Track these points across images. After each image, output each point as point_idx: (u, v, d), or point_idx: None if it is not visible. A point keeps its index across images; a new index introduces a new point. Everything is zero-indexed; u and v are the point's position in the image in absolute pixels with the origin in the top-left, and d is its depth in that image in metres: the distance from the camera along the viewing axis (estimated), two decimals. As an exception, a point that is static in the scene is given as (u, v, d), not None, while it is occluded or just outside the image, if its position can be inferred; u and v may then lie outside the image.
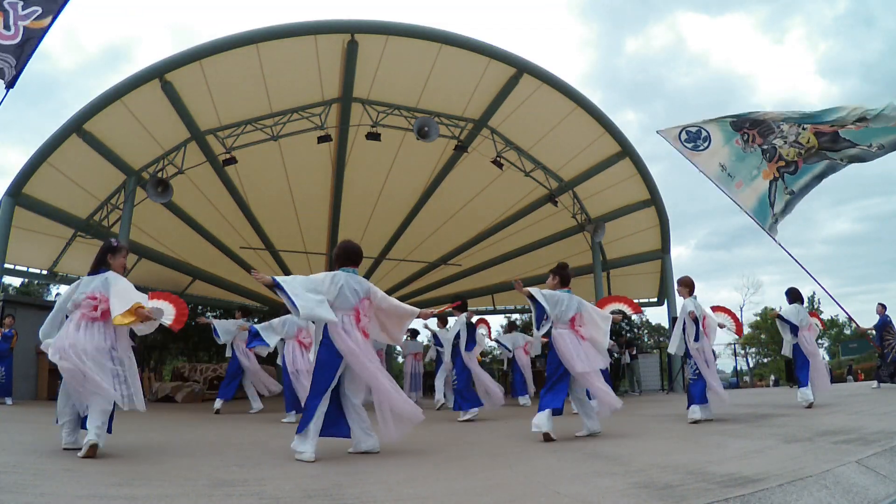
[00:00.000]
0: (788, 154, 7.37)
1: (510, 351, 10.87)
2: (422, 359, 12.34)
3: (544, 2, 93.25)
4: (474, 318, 7.59)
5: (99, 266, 3.99)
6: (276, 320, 7.64)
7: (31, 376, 10.90)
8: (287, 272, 16.02)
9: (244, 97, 10.88)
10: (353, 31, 9.94)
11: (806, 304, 7.78)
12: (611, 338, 5.42)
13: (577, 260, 14.76)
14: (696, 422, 5.58)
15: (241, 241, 15.29)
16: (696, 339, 5.85)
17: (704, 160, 7.25)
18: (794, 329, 6.98)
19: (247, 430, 6.10)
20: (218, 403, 8.53)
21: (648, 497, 2.40)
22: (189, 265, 16.17)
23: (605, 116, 12.02)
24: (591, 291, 13.59)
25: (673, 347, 6.21)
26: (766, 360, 39.84)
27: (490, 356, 22.17)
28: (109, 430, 3.69)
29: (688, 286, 6.14)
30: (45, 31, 4.77)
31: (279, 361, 7.75)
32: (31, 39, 4.69)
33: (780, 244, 7.66)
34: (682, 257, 60.45)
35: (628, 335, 25.92)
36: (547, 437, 4.45)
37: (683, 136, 7.24)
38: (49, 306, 13.64)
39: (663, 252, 15.00)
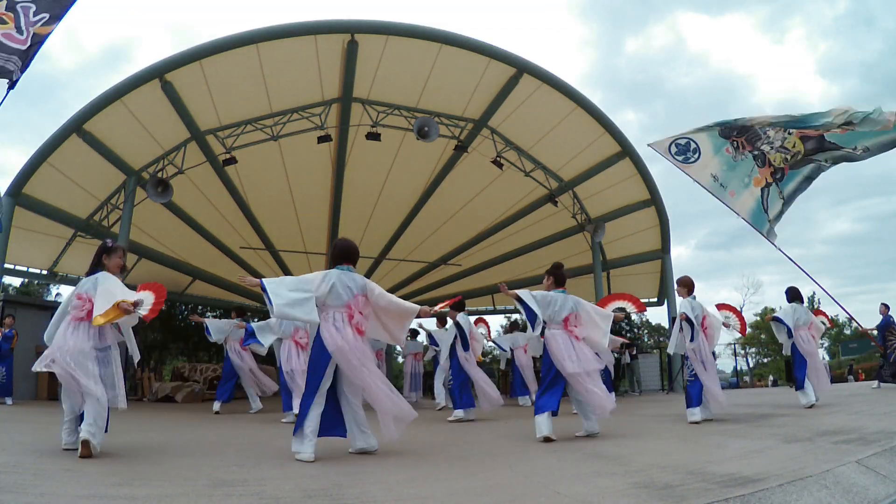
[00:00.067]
0: (776, 160, 7.38)
1: (505, 351, 10.87)
2: (422, 359, 12.34)
3: (544, 2, 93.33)
4: (467, 319, 7.50)
5: (95, 267, 4.02)
6: (272, 320, 7.63)
7: (31, 376, 10.88)
8: (287, 272, 16.03)
9: (244, 97, 10.88)
10: (353, 32, 9.94)
11: (806, 303, 7.77)
12: (621, 335, 5.38)
13: (577, 260, 14.77)
14: (695, 423, 5.57)
15: (241, 241, 15.29)
16: (692, 339, 5.81)
17: (696, 171, 7.22)
18: (789, 330, 6.96)
19: (247, 430, 6.10)
20: (216, 406, 8.54)
21: (648, 497, 2.40)
22: (189, 265, 16.18)
23: (605, 116, 12.02)
24: (591, 291, 13.59)
25: (672, 347, 6.17)
26: (766, 360, 39.86)
27: (490, 356, 22.18)
28: (106, 430, 3.71)
29: (686, 286, 6.11)
30: (46, 36, 4.81)
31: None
32: (35, 45, 4.75)
33: (779, 249, 7.67)
34: (682, 257, 60.53)
35: (628, 335, 25.93)
36: (547, 440, 4.45)
37: (673, 148, 7.18)
38: (49, 306, 13.70)
39: (663, 252, 15.00)
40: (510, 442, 4.72)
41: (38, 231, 12.14)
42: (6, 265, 11.36)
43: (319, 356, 3.80)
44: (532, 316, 4.73)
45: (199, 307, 20.33)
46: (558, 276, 5.05)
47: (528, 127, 12.23)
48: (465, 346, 7.32)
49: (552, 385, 4.72)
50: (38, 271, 14.04)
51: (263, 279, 3.77)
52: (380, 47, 10.25)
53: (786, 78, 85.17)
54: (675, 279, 8.36)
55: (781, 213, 7.61)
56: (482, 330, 9.60)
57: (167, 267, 15.51)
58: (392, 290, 4.27)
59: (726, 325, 6.37)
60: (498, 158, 12.18)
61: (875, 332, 10.24)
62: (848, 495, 2.60)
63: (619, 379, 14.27)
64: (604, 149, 12.72)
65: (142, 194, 11.35)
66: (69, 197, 11.67)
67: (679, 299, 6.23)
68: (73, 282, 13.87)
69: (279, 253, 16.15)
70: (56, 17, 4.87)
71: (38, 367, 3.68)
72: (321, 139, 11.16)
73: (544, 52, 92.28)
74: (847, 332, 34.88)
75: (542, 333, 4.88)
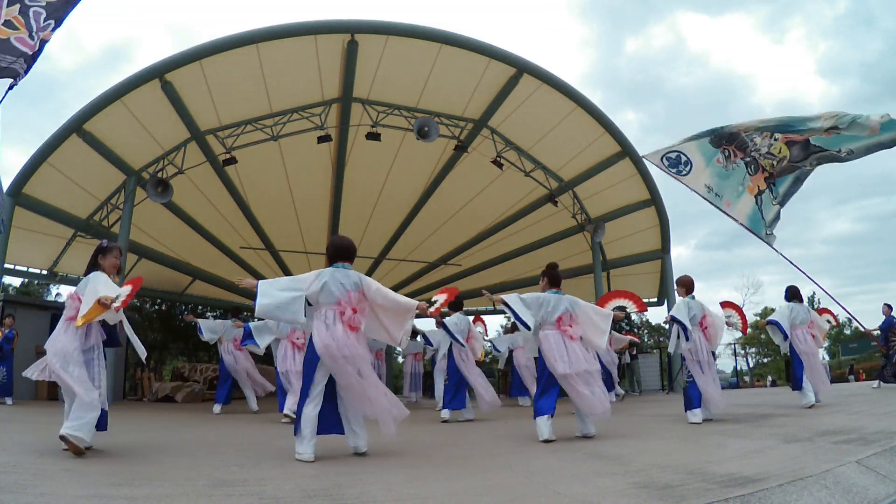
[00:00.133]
0: (766, 165, 7.40)
1: (500, 352, 10.90)
2: (422, 359, 12.35)
3: (544, 2, 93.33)
4: (463, 319, 7.48)
5: (91, 268, 4.03)
6: (270, 320, 7.64)
7: (31, 376, 10.89)
8: (287, 272, 16.03)
9: (244, 97, 10.87)
10: (353, 31, 9.93)
11: (806, 303, 7.78)
12: (632, 333, 5.35)
13: (577, 260, 14.78)
14: (696, 423, 5.56)
15: (241, 241, 15.29)
16: (687, 339, 5.77)
17: (691, 182, 7.22)
18: (784, 334, 6.93)
19: (247, 430, 6.10)
20: (216, 408, 8.56)
21: (648, 497, 2.40)
22: (189, 265, 16.18)
23: (605, 116, 12.01)
24: (590, 291, 13.59)
25: (672, 347, 6.17)
26: (765, 360, 39.85)
27: (490, 356, 22.19)
28: (104, 429, 3.75)
29: (684, 286, 6.08)
30: (47, 41, 4.85)
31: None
32: (39, 49, 4.80)
33: (779, 252, 7.67)
34: (682, 257, 60.55)
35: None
36: (548, 442, 4.44)
37: (665, 162, 7.17)
38: (49, 306, 13.71)
39: (663, 252, 14.99)
40: (510, 442, 4.72)
41: (38, 231, 12.14)
42: (6, 265, 11.35)
43: (310, 355, 3.80)
44: (519, 319, 4.72)
45: (199, 307, 20.32)
46: (553, 277, 5.04)
47: (528, 127, 12.22)
48: (459, 345, 7.27)
49: (548, 388, 4.70)
50: (38, 271, 14.02)
51: (260, 281, 3.78)
52: (380, 47, 10.25)
53: (786, 78, 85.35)
54: (675, 279, 8.35)
55: (777, 216, 7.64)
56: (480, 329, 9.60)
57: (167, 267, 15.51)
58: (392, 290, 4.24)
59: (729, 324, 6.32)
60: (498, 158, 12.17)
61: (878, 333, 10.26)
62: (848, 495, 2.60)
63: (620, 379, 14.30)
64: (604, 149, 12.71)
65: (142, 194, 11.35)
66: (69, 197, 11.67)
67: (679, 299, 6.21)
68: (72, 282, 13.89)
69: (279, 253, 16.15)
70: (58, 24, 4.90)
71: (31, 374, 3.75)
72: (321, 139, 11.16)
73: (544, 52, 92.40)
74: (847, 331, 34.87)
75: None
